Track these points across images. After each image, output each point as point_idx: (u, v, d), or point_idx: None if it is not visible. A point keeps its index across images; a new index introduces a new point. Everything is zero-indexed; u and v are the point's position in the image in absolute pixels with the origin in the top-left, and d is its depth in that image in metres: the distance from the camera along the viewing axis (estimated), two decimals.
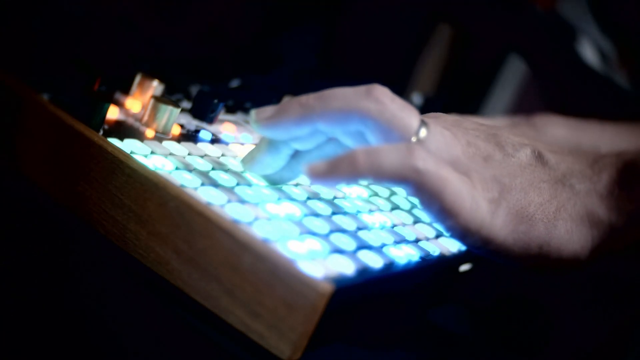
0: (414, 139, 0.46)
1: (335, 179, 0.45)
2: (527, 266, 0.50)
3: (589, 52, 0.89)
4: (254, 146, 0.57)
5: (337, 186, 0.52)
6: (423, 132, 0.46)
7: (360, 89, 0.46)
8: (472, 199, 0.47)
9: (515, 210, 0.48)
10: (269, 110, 0.47)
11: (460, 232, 0.47)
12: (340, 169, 0.44)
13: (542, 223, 0.49)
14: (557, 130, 0.64)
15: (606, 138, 0.67)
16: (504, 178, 0.48)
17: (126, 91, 0.57)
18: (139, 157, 0.47)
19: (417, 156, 0.45)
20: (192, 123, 0.57)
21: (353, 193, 0.56)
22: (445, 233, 0.53)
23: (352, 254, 0.46)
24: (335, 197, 0.54)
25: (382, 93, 0.46)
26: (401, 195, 0.60)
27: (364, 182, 0.56)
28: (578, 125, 0.66)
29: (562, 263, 0.50)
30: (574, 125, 0.66)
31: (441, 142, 0.47)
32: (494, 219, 0.48)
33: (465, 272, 0.57)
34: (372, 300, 0.49)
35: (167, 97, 0.57)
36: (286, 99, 0.47)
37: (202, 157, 0.51)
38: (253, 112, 0.48)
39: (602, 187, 0.51)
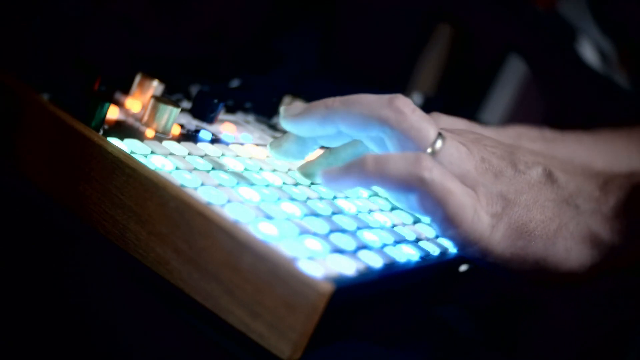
0: (429, 150, 0.48)
1: (346, 181, 0.47)
2: (524, 279, 0.52)
3: (589, 52, 0.89)
4: (254, 146, 0.58)
5: (349, 190, 0.54)
6: (438, 144, 0.48)
7: (384, 98, 0.48)
8: (474, 212, 0.48)
9: (516, 225, 0.49)
10: (297, 107, 0.50)
11: (460, 242, 0.49)
12: (351, 172, 0.47)
13: (541, 240, 0.50)
14: (531, 144, 0.64)
15: (581, 151, 0.67)
16: (510, 194, 0.50)
17: (126, 91, 0.57)
18: (139, 157, 0.47)
19: (424, 166, 0.46)
20: (192, 123, 0.57)
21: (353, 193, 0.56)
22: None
23: (352, 254, 0.46)
24: (335, 197, 0.54)
25: (403, 104, 0.48)
26: None
27: (378, 191, 0.57)
28: (554, 137, 0.67)
29: (559, 278, 0.51)
30: (549, 137, 0.67)
31: (454, 156, 0.49)
32: (494, 232, 0.49)
33: (465, 272, 0.57)
34: (372, 300, 0.49)
35: (167, 97, 0.57)
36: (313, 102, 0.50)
37: (202, 157, 0.51)
38: (282, 109, 0.50)
39: (608, 209, 0.52)
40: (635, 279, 0.68)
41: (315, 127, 0.49)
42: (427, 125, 0.48)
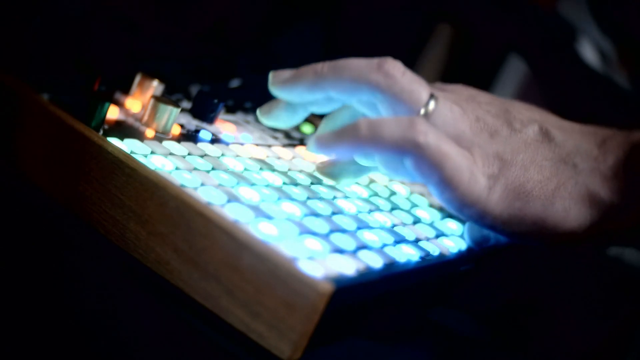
0: (422, 111, 0.47)
1: (339, 147, 0.47)
2: (523, 240, 0.51)
3: (589, 52, 0.89)
4: (254, 146, 0.57)
5: (341, 157, 0.53)
6: (431, 106, 0.47)
7: (373, 62, 0.47)
8: (471, 174, 0.47)
9: (513, 186, 0.49)
10: (285, 73, 0.49)
11: (457, 204, 0.48)
12: (344, 137, 0.46)
13: (539, 200, 0.49)
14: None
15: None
16: (506, 154, 0.49)
17: (126, 91, 0.57)
18: (139, 157, 0.47)
19: (419, 130, 0.45)
20: (192, 123, 0.57)
21: (353, 193, 0.56)
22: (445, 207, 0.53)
23: (352, 254, 0.46)
24: (335, 197, 0.54)
25: (393, 67, 0.47)
26: (401, 195, 0.60)
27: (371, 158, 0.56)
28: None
29: (557, 239, 0.50)
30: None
31: (448, 117, 0.48)
32: (491, 194, 0.48)
33: (466, 272, 0.57)
34: (372, 300, 0.49)
35: (167, 97, 0.57)
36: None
37: (202, 157, 0.51)
38: (271, 74, 0.49)
39: (606, 167, 0.51)
40: (635, 279, 0.68)
41: (304, 93, 0.49)
42: (419, 86, 0.48)
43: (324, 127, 0.54)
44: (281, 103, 0.51)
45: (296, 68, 0.50)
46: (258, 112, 0.53)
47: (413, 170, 0.47)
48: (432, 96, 0.48)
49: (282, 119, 0.52)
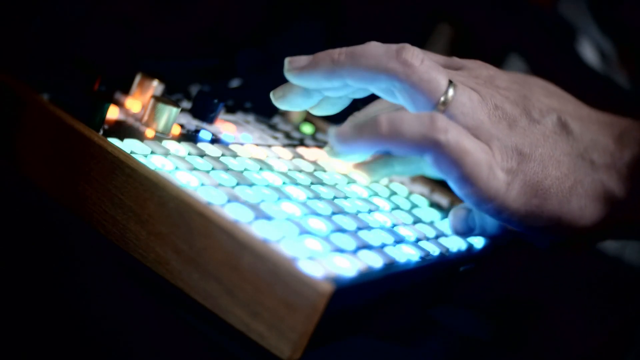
0: (441, 99, 0.47)
1: (359, 143, 0.46)
2: (537, 234, 0.51)
3: (589, 52, 0.89)
4: (254, 146, 0.57)
5: (360, 153, 0.52)
6: (450, 94, 0.47)
7: (391, 49, 0.47)
8: (490, 169, 0.47)
9: (531, 183, 0.49)
10: (302, 60, 0.49)
11: (475, 200, 0.48)
12: (364, 132, 0.46)
13: (556, 198, 0.49)
14: None
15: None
16: (525, 147, 0.49)
17: (126, 91, 0.57)
18: (139, 157, 0.47)
19: (439, 127, 0.46)
20: (192, 123, 0.57)
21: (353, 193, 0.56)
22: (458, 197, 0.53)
23: (352, 254, 0.46)
24: (335, 197, 0.54)
25: (412, 55, 0.47)
26: (401, 195, 0.60)
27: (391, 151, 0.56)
28: None
29: (571, 233, 0.51)
30: None
31: (467, 106, 0.48)
32: (509, 190, 0.48)
33: (466, 272, 0.57)
34: (372, 300, 0.49)
35: (167, 97, 0.57)
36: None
37: (202, 157, 0.51)
38: (287, 60, 0.49)
39: (622, 164, 0.51)
40: (635, 279, 0.68)
41: (321, 80, 0.48)
42: (437, 74, 0.47)
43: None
44: (295, 87, 0.51)
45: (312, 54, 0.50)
46: (272, 95, 0.52)
47: (433, 166, 0.47)
48: (450, 83, 0.48)
49: (296, 103, 0.51)
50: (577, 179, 0.50)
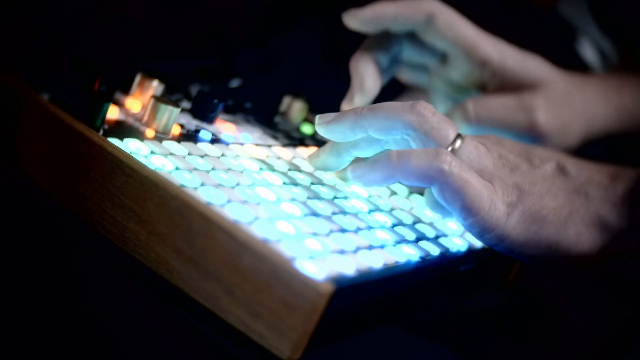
0: (449, 148, 0.52)
1: (373, 176, 0.52)
2: (538, 262, 0.54)
3: (589, 52, 0.89)
4: (254, 146, 0.58)
5: (374, 186, 0.57)
6: (458, 143, 0.52)
7: (407, 103, 0.52)
8: (491, 201, 0.51)
9: (530, 212, 0.52)
10: (330, 115, 0.54)
11: (478, 229, 0.51)
12: (377, 167, 0.51)
13: (553, 225, 0.53)
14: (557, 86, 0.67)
15: (611, 92, 0.71)
16: (525, 185, 0.53)
17: (126, 91, 0.57)
18: (138, 157, 0.47)
19: (443, 159, 0.50)
20: (192, 123, 0.57)
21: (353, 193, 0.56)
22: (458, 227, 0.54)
23: (352, 254, 0.46)
24: (335, 197, 0.54)
25: (425, 108, 0.52)
26: (401, 195, 0.60)
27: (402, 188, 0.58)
28: (581, 82, 0.69)
29: (570, 261, 0.54)
30: (577, 82, 0.68)
31: (473, 154, 0.52)
32: (509, 219, 0.52)
33: (466, 272, 0.57)
34: (372, 300, 0.49)
35: (167, 97, 0.57)
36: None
37: (202, 157, 0.51)
38: (317, 117, 0.55)
39: (616, 196, 0.55)
40: (636, 278, 0.68)
41: (346, 131, 0.53)
42: (447, 125, 0.52)
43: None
44: (327, 148, 0.56)
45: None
46: (308, 159, 0.57)
47: (438, 198, 0.51)
48: (459, 135, 0.52)
49: (329, 164, 0.56)
50: (573, 209, 0.53)
